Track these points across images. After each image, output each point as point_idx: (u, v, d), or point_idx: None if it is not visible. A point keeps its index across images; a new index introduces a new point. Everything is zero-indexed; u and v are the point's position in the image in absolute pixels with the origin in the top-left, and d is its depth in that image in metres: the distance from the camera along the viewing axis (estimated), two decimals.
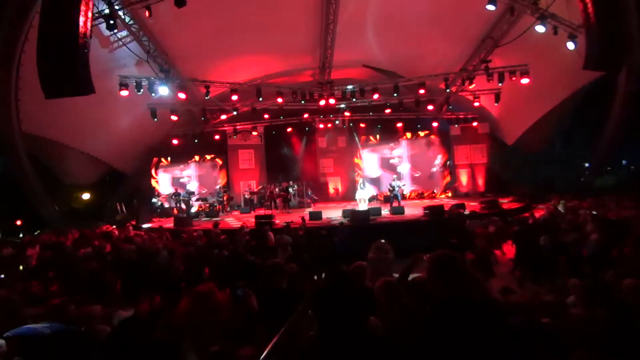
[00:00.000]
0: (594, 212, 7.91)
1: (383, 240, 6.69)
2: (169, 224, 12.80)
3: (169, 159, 17.47)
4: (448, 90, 14.28)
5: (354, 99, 14.63)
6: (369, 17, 11.98)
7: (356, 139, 18.21)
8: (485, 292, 1.97)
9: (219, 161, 18.10)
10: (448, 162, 17.99)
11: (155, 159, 17.26)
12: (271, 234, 8.31)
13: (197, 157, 17.84)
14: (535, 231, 7.42)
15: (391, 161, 18.13)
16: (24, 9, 9.38)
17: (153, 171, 17.30)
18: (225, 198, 16.65)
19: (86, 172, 15.38)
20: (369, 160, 18.37)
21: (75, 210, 15.01)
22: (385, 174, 17.76)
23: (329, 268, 3.30)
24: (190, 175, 17.83)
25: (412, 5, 11.72)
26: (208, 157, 17.98)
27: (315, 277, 5.98)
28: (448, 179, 17.93)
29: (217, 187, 17.14)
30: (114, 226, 12.32)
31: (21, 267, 6.28)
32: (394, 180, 14.22)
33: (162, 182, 17.42)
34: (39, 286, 5.30)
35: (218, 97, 14.70)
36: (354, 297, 2.82)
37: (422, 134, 18.07)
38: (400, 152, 18.13)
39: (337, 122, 17.67)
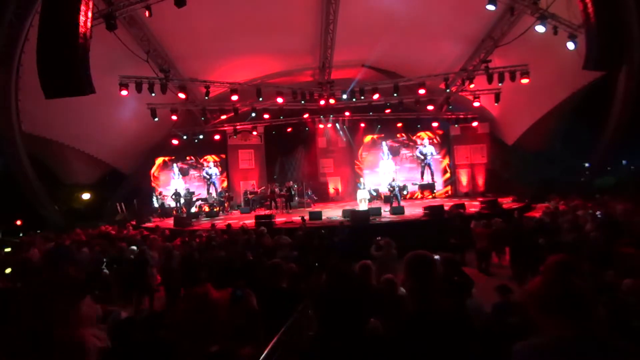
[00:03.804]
0: (596, 212, 7.89)
1: (379, 238, 6.75)
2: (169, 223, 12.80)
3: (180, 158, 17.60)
4: (448, 90, 14.28)
5: (353, 99, 14.63)
6: (368, 17, 11.97)
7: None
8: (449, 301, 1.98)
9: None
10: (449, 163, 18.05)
11: (160, 160, 17.30)
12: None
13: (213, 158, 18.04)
14: (534, 231, 7.42)
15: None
16: (24, 9, 9.39)
17: (156, 172, 17.34)
18: (225, 198, 16.67)
19: (86, 172, 15.40)
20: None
21: (75, 210, 15.03)
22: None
23: (329, 268, 3.30)
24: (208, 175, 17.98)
25: (412, 5, 11.72)
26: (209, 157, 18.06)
27: (315, 277, 5.98)
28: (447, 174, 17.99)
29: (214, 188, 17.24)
30: (114, 225, 12.33)
31: (8, 270, 6.17)
32: (393, 180, 14.24)
33: (168, 182, 17.46)
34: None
35: (218, 97, 14.71)
36: (354, 297, 2.82)
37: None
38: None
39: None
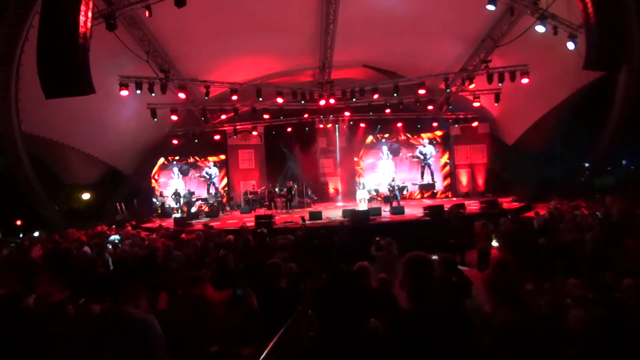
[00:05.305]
0: (596, 213, 7.89)
1: (378, 238, 6.76)
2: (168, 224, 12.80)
3: (176, 158, 17.58)
4: (448, 90, 14.27)
5: (354, 99, 14.63)
6: (369, 17, 11.97)
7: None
8: (451, 301, 2.03)
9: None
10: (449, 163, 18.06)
11: (161, 160, 17.31)
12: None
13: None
14: (534, 231, 7.42)
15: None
16: (24, 9, 9.39)
17: (157, 172, 17.35)
18: (222, 198, 16.69)
19: (86, 172, 15.38)
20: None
21: (75, 210, 15.01)
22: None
23: (329, 268, 3.31)
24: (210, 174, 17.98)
25: (412, 5, 11.72)
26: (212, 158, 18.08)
27: (315, 277, 5.98)
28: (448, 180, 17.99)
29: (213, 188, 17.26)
30: (113, 226, 12.31)
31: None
32: (393, 180, 14.25)
33: (168, 182, 17.47)
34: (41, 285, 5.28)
35: (218, 97, 14.70)
36: (353, 297, 2.83)
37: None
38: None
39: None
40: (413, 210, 12.31)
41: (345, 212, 11.65)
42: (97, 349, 2.21)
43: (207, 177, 17.91)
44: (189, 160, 17.81)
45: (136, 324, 2.25)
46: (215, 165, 18.15)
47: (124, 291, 2.38)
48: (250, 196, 16.71)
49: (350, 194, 17.06)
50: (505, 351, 1.71)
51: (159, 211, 15.94)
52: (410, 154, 18.16)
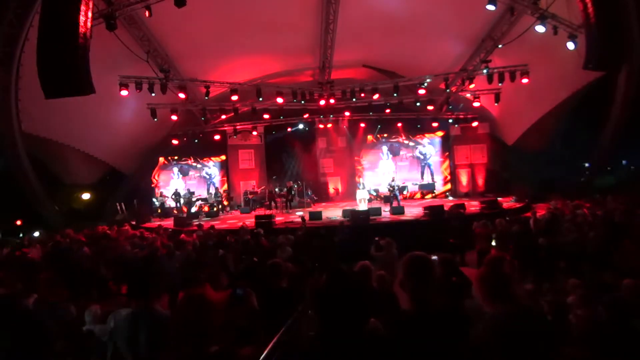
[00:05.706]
0: (596, 212, 7.89)
1: (377, 238, 6.76)
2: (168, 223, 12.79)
3: (175, 158, 17.59)
4: (448, 90, 14.27)
5: (354, 99, 14.63)
6: (369, 17, 11.97)
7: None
8: (450, 301, 2.05)
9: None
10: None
11: (162, 160, 17.31)
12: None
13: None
14: (531, 231, 7.42)
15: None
16: (24, 9, 9.39)
17: (157, 172, 17.35)
18: (222, 198, 16.69)
19: (86, 172, 15.38)
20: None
21: (75, 210, 15.01)
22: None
23: (329, 268, 3.30)
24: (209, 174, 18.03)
25: (412, 5, 11.72)
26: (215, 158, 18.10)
27: (315, 277, 5.98)
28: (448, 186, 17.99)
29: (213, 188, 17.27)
30: (113, 226, 12.31)
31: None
32: (393, 180, 14.25)
33: (168, 182, 17.48)
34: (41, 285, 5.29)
35: (218, 97, 14.70)
36: (354, 297, 2.82)
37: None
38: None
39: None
40: (413, 210, 12.30)
41: (345, 212, 11.64)
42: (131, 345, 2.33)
43: (207, 177, 17.91)
44: (189, 161, 17.80)
45: (164, 320, 2.42)
46: (215, 165, 18.15)
47: (154, 290, 2.57)
48: (250, 196, 16.70)
49: (350, 194, 17.05)
50: (499, 348, 1.70)
51: (159, 211, 15.93)
52: (410, 154, 18.16)
